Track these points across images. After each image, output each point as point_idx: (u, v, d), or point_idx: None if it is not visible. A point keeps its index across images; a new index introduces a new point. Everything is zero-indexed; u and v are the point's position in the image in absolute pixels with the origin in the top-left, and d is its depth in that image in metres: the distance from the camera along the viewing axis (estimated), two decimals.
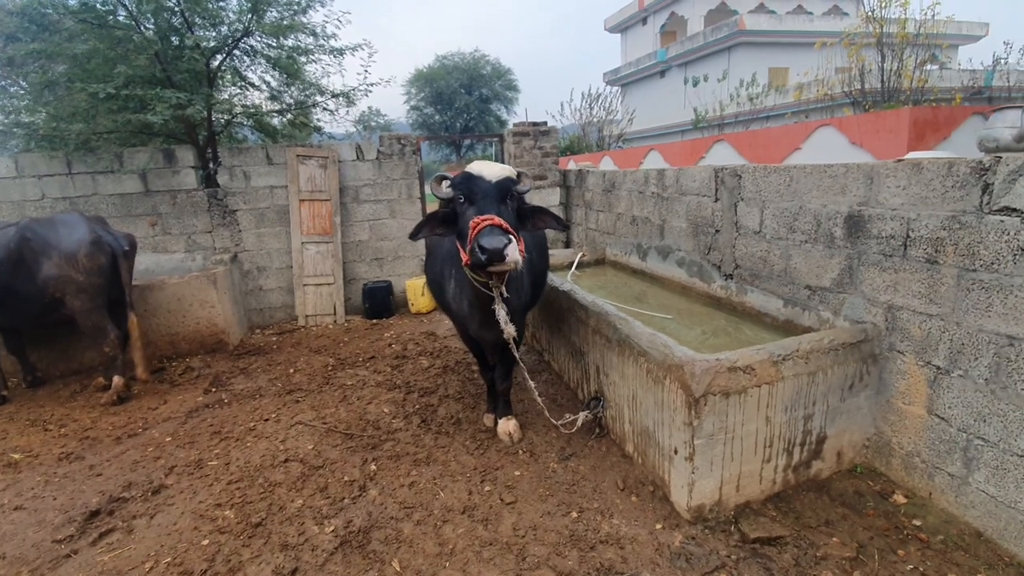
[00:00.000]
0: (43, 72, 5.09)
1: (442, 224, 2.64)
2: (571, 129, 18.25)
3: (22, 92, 5.49)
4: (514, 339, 2.80)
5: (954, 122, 6.22)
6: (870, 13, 9.65)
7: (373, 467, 3.06)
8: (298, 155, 5.94)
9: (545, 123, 6.61)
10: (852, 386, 2.67)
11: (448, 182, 2.62)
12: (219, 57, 5.77)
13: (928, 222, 2.42)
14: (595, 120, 18.31)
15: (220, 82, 6.05)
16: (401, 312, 6.42)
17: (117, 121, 5.23)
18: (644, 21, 29.60)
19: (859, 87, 10.21)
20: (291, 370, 4.69)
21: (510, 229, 2.34)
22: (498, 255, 2.22)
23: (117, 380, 4.10)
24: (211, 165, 5.76)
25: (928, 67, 9.42)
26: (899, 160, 2.57)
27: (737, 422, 2.45)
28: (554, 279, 4.12)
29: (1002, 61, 10.92)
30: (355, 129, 7.33)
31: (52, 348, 4.73)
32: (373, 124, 7.19)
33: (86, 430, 3.72)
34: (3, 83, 6.60)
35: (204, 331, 5.12)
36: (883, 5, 9.51)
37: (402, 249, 6.54)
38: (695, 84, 21.47)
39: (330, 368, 4.68)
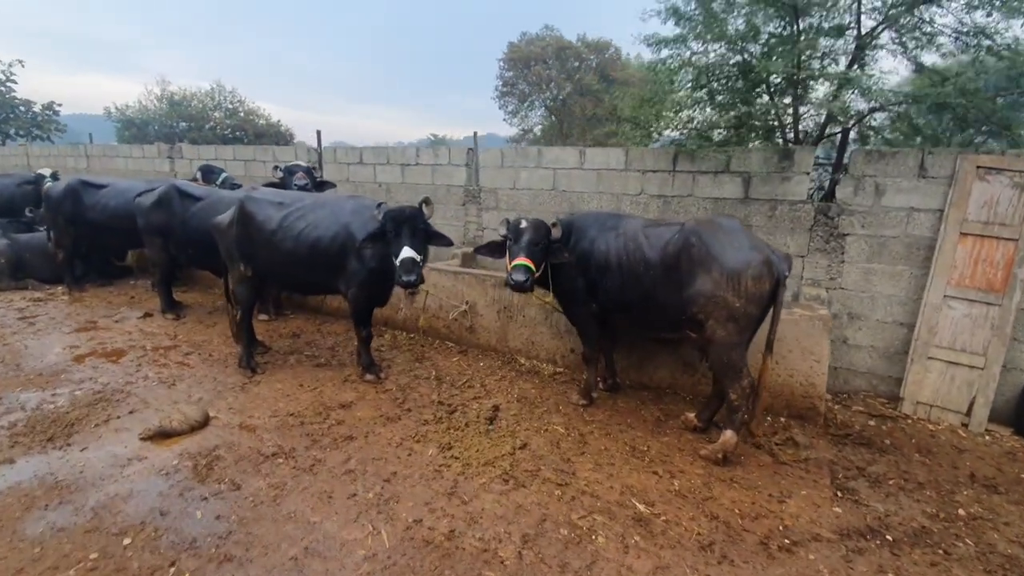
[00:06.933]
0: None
1: None
2: None
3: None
4: None
5: None
6: None
7: None
8: (979, 167, 3.90)
9: None
10: None
11: None
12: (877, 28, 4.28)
13: None
14: None
15: (865, 61, 4.58)
16: None
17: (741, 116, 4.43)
18: None
19: None
20: (956, 508, 2.83)
21: None
22: None
23: (728, 436, 3.17)
24: (833, 173, 4.39)
25: None
26: None
27: None
28: None
29: None
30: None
31: (629, 356, 4.39)
32: None
33: (704, 500, 2.85)
34: None
35: (797, 389, 3.85)
36: None
37: None
38: None
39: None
